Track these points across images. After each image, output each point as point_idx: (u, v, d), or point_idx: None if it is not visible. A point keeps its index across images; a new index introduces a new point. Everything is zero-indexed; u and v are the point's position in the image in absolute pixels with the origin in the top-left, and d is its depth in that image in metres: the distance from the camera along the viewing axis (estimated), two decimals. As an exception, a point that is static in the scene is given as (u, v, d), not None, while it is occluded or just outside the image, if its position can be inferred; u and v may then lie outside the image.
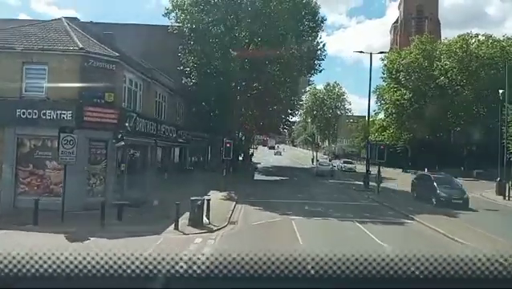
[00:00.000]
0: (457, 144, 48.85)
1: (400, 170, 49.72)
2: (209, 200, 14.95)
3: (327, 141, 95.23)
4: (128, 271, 1.08)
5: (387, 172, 51.86)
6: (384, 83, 54.34)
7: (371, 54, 29.54)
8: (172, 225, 12.98)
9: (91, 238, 10.80)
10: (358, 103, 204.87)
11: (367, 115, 34.32)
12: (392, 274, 1.09)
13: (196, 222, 13.70)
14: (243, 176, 30.59)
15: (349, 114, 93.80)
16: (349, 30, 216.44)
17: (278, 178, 34.00)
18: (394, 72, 50.87)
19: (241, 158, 49.88)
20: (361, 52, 32.14)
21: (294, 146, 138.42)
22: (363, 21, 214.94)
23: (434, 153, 46.29)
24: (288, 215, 16.59)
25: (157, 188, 18.72)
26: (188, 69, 28.02)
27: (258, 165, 52.18)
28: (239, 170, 32.56)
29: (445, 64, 46.32)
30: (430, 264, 1.10)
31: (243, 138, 36.89)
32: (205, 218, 14.31)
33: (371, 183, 27.22)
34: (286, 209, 17.95)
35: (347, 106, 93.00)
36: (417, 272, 1.09)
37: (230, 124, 31.91)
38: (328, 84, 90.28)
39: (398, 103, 49.41)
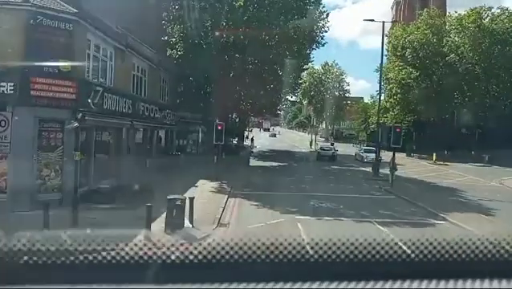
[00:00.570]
0: (466, 126, 45.82)
1: (404, 154, 46.81)
2: (192, 198, 11.71)
3: (324, 123, 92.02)
4: None
5: (389, 156, 49.11)
6: (388, 62, 50.75)
7: (383, 22, 26.61)
8: (142, 235, 9.85)
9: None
10: (354, 85, 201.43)
11: (369, 96, 30.87)
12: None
13: (174, 227, 10.54)
14: (237, 162, 27.37)
15: (348, 95, 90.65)
16: (344, 11, 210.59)
17: (275, 164, 30.81)
18: (399, 49, 47.24)
19: (235, 141, 46.64)
20: (372, 20, 29.17)
21: (290, 129, 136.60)
22: (359, 0, 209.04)
23: (440, 136, 43.32)
24: (292, 214, 13.48)
25: (134, 178, 15.47)
26: (173, 40, 24.37)
27: (254, 149, 48.98)
28: (233, 155, 29.30)
29: (456, 40, 42.83)
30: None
31: (237, 120, 33.52)
32: (186, 222, 11.14)
33: (381, 170, 24.17)
34: (289, 204, 14.83)
35: (345, 87, 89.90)
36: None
37: (223, 103, 28.46)
38: (326, 64, 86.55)
39: (403, 82, 45.97)
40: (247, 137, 68.57)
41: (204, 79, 26.97)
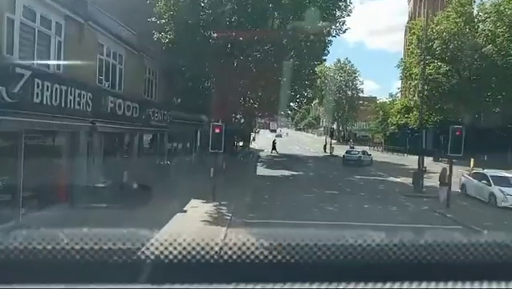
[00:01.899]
0: (501, 127, 40.29)
1: (431, 159, 41.49)
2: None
3: (335, 124, 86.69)
4: None
5: (410, 160, 43.74)
6: (411, 56, 45.51)
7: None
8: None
9: None
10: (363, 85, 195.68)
11: (387, 95, 25.60)
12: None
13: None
14: (242, 171, 22.38)
15: (361, 95, 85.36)
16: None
17: (287, 173, 25.73)
18: (426, 42, 41.97)
19: (240, 144, 41.64)
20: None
21: (298, 130, 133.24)
22: (366, 1, 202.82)
23: (473, 138, 37.87)
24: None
25: (92, 202, 10.63)
26: (163, 21, 19.47)
27: (261, 153, 43.96)
28: (237, 161, 24.30)
29: (492, 29, 37.41)
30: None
31: (242, 121, 28.50)
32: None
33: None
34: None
35: (358, 86, 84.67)
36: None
37: (225, 100, 23.62)
38: (339, 61, 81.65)
39: (431, 78, 40.62)
40: (254, 139, 63.76)
41: (202, 70, 22.05)
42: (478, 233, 0.96)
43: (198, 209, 13.82)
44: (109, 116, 13.76)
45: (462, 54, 38.66)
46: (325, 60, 25.66)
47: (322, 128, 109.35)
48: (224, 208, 14.20)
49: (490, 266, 1.02)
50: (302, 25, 19.81)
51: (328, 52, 24.80)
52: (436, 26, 40.47)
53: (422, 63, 42.29)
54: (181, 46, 19.62)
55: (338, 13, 23.33)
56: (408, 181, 23.91)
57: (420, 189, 18.63)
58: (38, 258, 0.99)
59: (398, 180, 24.35)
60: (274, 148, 43.65)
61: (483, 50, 37.08)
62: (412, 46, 44.75)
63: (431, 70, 40.72)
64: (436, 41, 40.18)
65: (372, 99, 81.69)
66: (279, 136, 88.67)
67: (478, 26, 38.80)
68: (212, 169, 15.19)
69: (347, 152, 36.85)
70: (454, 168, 33.62)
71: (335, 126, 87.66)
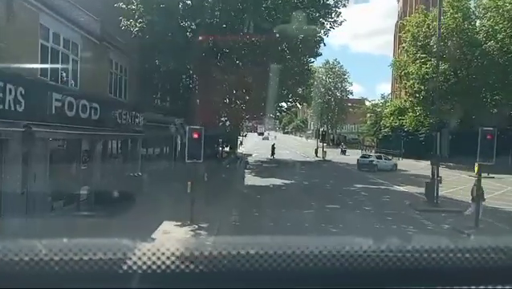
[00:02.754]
0: (501, 129, 38.20)
1: (427, 162, 39.22)
2: None
3: (324, 127, 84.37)
4: None
5: (407, 164, 41.43)
6: (406, 55, 43.35)
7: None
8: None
9: None
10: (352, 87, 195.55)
11: (379, 96, 23.17)
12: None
13: None
14: (228, 180, 19.47)
15: (350, 96, 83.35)
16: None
17: (279, 182, 22.90)
18: (421, 39, 39.83)
19: (226, 149, 38.68)
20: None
21: (286, 133, 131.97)
22: (349, 5, 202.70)
23: (470, 141, 35.73)
24: None
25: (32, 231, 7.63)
26: (133, 6, 16.48)
27: (249, 158, 41.10)
28: (222, 171, 21.38)
29: (493, 24, 35.35)
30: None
31: (228, 123, 25.55)
32: None
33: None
34: None
35: (348, 87, 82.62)
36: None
37: (209, 101, 20.82)
38: (327, 62, 79.25)
39: (427, 77, 38.38)
40: (241, 143, 60.84)
41: (180, 65, 19.10)
42: (465, 238, 0.70)
43: (170, 236, 10.87)
44: (55, 119, 10.73)
45: (461, 52, 36.56)
46: (321, 54, 22.90)
47: (310, 131, 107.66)
48: (203, 232, 11.33)
49: (478, 270, 0.99)
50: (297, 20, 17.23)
51: (324, 45, 22.07)
52: (433, 22, 38.33)
53: (418, 61, 40.39)
54: (154, 36, 16.70)
55: (332, 2, 20.79)
56: (415, 189, 21.41)
57: (435, 202, 15.99)
58: (15, 270, 0.94)
59: (403, 189, 21.74)
60: (273, 153, 41.59)
61: (483, 46, 35.01)
62: (407, 44, 42.60)
63: (427, 69, 38.53)
64: (433, 38, 38.02)
65: (361, 102, 79.91)
66: (266, 138, 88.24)
67: (476, 22, 36.79)
68: (189, 184, 12.25)
69: (362, 157, 35.63)
70: (455, 172, 31.58)
71: (324, 129, 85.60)
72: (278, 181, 23.03)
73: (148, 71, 19.24)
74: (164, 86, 21.69)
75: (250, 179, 24.11)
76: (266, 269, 0.96)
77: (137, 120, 18.51)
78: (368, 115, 65.17)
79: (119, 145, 18.15)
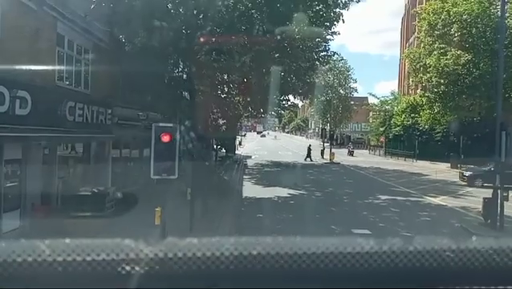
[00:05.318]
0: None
1: (448, 165, 35.11)
2: None
3: (328, 126, 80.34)
4: None
5: (424, 167, 37.31)
6: (421, 46, 39.21)
7: None
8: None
9: None
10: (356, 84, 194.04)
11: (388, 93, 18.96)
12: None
13: None
14: (221, 195, 15.24)
15: (355, 95, 79.28)
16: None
17: (285, 193, 18.72)
18: (439, 27, 35.64)
19: (223, 150, 34.42)
20: None
21: (286, 133, 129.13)
22: (348, 5, 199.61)
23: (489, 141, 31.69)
24: None
25: None
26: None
27: (249, 160, 36.95)
28: (215, 182, 17.16)
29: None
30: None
31: (223, 122, 21.39)
32: None
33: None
34: None
35: (352, 84, 78.44)
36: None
37: (198, 96, 16.92)
38: (330, 57, 75.12)
39: (448, 70, 34.24)
40: (240, 144, 56.63)
41: (161, 48, 14.94)
42: (468, 238, 0.92)
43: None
44: None
45: (487, 40, 32.42)
46: (332, 39, 18.95)
47: (311, 131, 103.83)
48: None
49: (480, 271, 0.96)
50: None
51: (338, 34, 18.27)
52: (454, 7, 34.20)
53: (436, 52, 36.33)
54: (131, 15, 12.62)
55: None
56: (453, 202, 17.33)
57: (499, 225, 11.82)
58: (18, 271, 0.93)
59: (439, 201, 17.54)
60: (308, 154, 37.53)
61: (513, 33, 30.84)
62: (422, 34, 38.41)
63: (448, 60, 34.37)
64: (454, 25, 33.89)
65: (364, 100, 76.03)
66: (264, 136, 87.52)
67: (506, 4, 32.67)
68: (157, 211, 8.09)
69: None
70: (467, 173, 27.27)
71: (327, 128, 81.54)
72: (283, 192, 18.88)
73: (121, 54, 15.15)
74: (144, 78, 17.57)
75: (250, 188, 19.98)
76: (268, 269, 0.93)
77: (104, 118, 14.40)
78: (371, 113, 61.22)
79: (80, 150, 14.06)
